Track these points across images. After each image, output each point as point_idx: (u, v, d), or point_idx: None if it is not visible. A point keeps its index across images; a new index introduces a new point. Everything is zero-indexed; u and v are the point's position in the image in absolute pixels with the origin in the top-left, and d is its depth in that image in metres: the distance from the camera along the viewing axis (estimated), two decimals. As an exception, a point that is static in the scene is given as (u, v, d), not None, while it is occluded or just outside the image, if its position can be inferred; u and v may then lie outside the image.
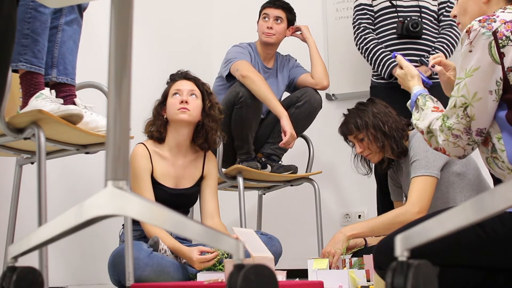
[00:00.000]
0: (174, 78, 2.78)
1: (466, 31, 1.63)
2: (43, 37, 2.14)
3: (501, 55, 1.57)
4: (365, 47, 3.23)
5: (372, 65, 3.22)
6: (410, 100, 1.94)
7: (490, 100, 1.60)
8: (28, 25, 2.10)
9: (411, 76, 1.99)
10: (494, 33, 1.58)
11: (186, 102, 2.66)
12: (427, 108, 1.82)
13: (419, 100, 1.87)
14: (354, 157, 2.92)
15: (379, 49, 3.19)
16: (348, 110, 2.80)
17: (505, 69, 1.57)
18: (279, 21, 3.36)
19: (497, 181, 1.76)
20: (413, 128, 2.75)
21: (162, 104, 2.74)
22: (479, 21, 1.62)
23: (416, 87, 1.95)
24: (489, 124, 1.63)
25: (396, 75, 2.06)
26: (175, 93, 2.70)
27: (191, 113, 2.67)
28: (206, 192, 2.78)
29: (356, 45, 3.30)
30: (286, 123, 3.07)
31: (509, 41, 1.57)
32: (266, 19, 3.36)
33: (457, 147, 1.68)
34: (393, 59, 3.07)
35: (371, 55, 3.20)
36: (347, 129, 2.75)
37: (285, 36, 3.43)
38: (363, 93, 3.54)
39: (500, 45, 1.57)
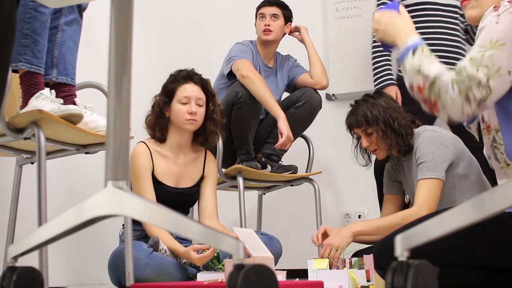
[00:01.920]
0: (181, 79, 2.72)
1: (494, 7, 1.54)
2: (43, 37, 2.14)
3: None
4: (372, 54, 3.24)
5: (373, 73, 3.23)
6: (402, 48, 1.63)
7: (507, 80, 1.50)
8: (28, 25, 2.10)
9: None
10: None
11: (195, 113, 2.66)
12: (434, 58, 1.59)
13: (424, 48, 1.60)
14: (355, 148, 2.86)
15: (380, 61, 3.19)
16: (356, 101, 2.73)
17: None
18: (275, 18, 3.37)
19: (496, 181, 1.76)
20: (417, 126, 2.74)
21: (167, 103, 2.70)
22: (509, 1, 1.55)
23: (414, 37, 1.64)
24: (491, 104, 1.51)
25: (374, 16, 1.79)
26: (184, 101, 2.67)
27: (197, 123, 2.69)
28: (205, 193, 2.77)
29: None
30: (283, 124, 3.07)
31: None
32: (263, 18, 3.38)
33: (457, 106, 1.49)
34: (388, 80, 3.12)
35: (373, 63, 3.22)
36: (356, 122, 2.68)
37: (284, 34, 3.44)
38: (363, 93, 3.53)
39: None
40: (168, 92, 2.71)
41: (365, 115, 2.65)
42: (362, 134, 2.70)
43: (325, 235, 2.64)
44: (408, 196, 2.85)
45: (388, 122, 2.62)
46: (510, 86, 1.52)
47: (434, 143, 2.56)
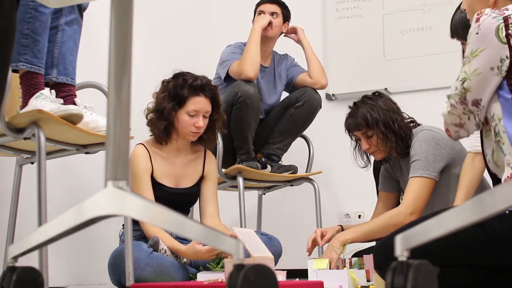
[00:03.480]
0: (193, 90, 2.64)
1: (477, 15, 1.65)
2: (43, 37, 2.14)
3: (509, 36, 1.60)
4: None
5: None
6: None
7: (490, 74, 1.63)
8: (28, 25, 2.10)
9: None
10: (506, 18, 1.61)
11: (201, 127, 2.65)
12: None
13: None
14: (354, 149, 2.85)
15: None
16: (355, 103, 2.72)
17: None
18: (275, 16, 3.38)
19: (496, 181, 1.76)
20: (415, 126, 2.74)
21: (176, 106, 2.64)
22: (492, 8, 1.66)
23: None
24: (486, 96, 1.66)
25: None
26: (192, 114, 2.63)
27: (199, 134, 2.69)
28: (206, 193, 2.77)
29: None
30: None
31: None
32: (262, 15, 3.37)
33: (452, 115, 1.74)
34: None
35: None
36: (356, 124, 2.66)
37: (282, 33, 3.44)
38: (363, 93, 3.54)
39: (510, 28, 1.60)
40: (178, 99, 2.64)
41: (365, 118, 2.63)
42: (362, 136, 2.68)
43: (321, 236, 2.65)
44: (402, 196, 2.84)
45: (388, 124, 2.61)
46: (498, 78, 1.63)
47: (428, 143, 2.56)
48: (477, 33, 1.65)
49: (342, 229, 2.76)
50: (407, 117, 2.74)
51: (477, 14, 1.67)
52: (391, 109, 2.66)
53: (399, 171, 2.79)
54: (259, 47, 3.23)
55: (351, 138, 2.80)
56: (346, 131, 2.76)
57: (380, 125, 2.61)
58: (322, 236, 2.66)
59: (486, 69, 1.64)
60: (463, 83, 1.70)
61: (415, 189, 2.51)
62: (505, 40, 1.61)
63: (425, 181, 2.52)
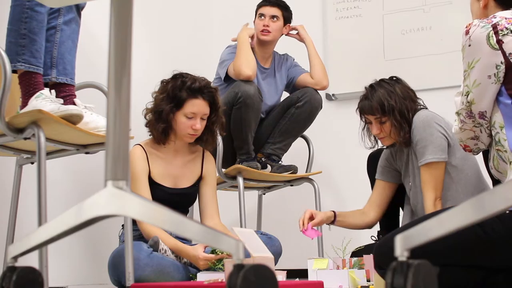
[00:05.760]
0: (191, 93, 2.63)
1: (466, 27, 1.69)
2: (40, 36, 2.14)
3: (500, 42, 1.63)
4: None
5: None
6: None
7: (488, 83, 1.68)
8: (25, 25, 2.09)
9: None
10: (494, 26, 1.65)
11: (198, 129, 2.65)
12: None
13: None
14: (362, 130, 2.75)
15: None
16: (372, 85, 2.62)
17: (507, 55, 1.64)
18: (275, 19, 3.36)
19: (496, 183, 1.77)
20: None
21: (174, 108, 2.63)
22: (480, 19, 1.72)
23: None
24: (489, 107, 1.70)
25: None
26: (190, 116, 2.62)
27: (196, 136, 2.68)
28: (205, 193, 2.77)
29: None
30: None
31: (510, 32, 1.64)
32: (262, 17, 3.36)
33: (465, 130, 1.79)
34: None
35: None
36: (371, 108, 2.57)
37: (282, 34, 3.43)
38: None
39: (500, 34, 1.63)
40: (176, 101, 2.63)
41: (381, 103, 2.55)
42: (375, 121, 2.60)
43: (311, 218, 2.64)
44: (410, 184, 2.75)
45: (403, 113, 2.53)
46: (496, 86, 1.68)
47: (428, 124, 2.50)
48: (469, 45, 1.69)
49: (335, 215, 2.72)
50: (422, 104, 2.66)
51: (466, 27, 1.71)
52: (408, 97, 2.57)
53: (402, 159, 2.71)
54: (250, 49, 3.23)
55: (361, 119, 2.71)
56: (359, 112, 2.67)
57: (396, 113, 2.53)
58: (312, 218, 2.64)
59: (484, 78, 1.68)
60: (467, 96, 1.74)
61: (428, 178, 2.49)
62: (497, 46, 1.65)
63: (436, 165, 2.48)
